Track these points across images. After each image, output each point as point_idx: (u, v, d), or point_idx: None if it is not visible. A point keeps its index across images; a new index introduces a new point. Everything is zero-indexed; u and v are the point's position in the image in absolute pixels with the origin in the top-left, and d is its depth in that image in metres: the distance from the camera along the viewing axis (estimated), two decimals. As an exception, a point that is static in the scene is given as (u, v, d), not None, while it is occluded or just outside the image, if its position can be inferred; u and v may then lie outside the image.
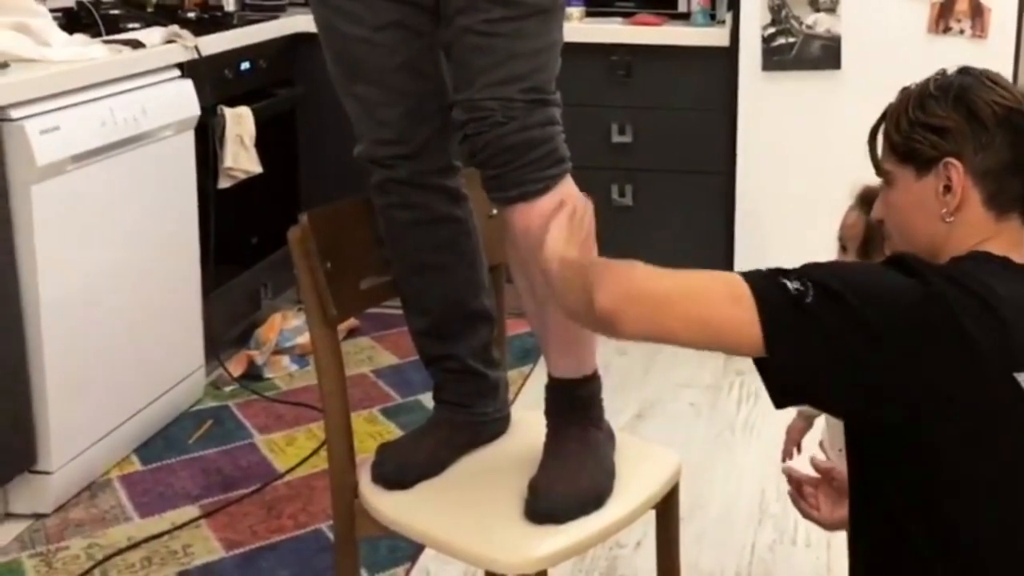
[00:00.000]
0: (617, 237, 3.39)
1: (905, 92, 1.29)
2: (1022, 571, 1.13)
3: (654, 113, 3.37)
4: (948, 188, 1.24)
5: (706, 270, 1.23)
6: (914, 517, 1.15)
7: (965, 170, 1.23)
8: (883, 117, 1.30)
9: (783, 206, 3.31)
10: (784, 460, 2.10)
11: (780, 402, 1.18)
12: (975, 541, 1.13)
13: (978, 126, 1.24)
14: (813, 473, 1.58)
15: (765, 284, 1.17)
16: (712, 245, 3.39)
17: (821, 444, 2.07)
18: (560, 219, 1.38)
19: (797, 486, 1.61)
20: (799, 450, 2.04)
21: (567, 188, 1.47)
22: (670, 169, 3.39)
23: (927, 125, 1.24)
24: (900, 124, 1.26)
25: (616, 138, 3.40)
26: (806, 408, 2.03)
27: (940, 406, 1.12)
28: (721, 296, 1.18)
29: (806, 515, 1.66)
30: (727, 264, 3.37)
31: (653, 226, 3.43)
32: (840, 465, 1.82)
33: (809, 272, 1.18)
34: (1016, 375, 1.13)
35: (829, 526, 1.60)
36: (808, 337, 1.14)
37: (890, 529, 1.19)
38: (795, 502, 1.64)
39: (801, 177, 3.28)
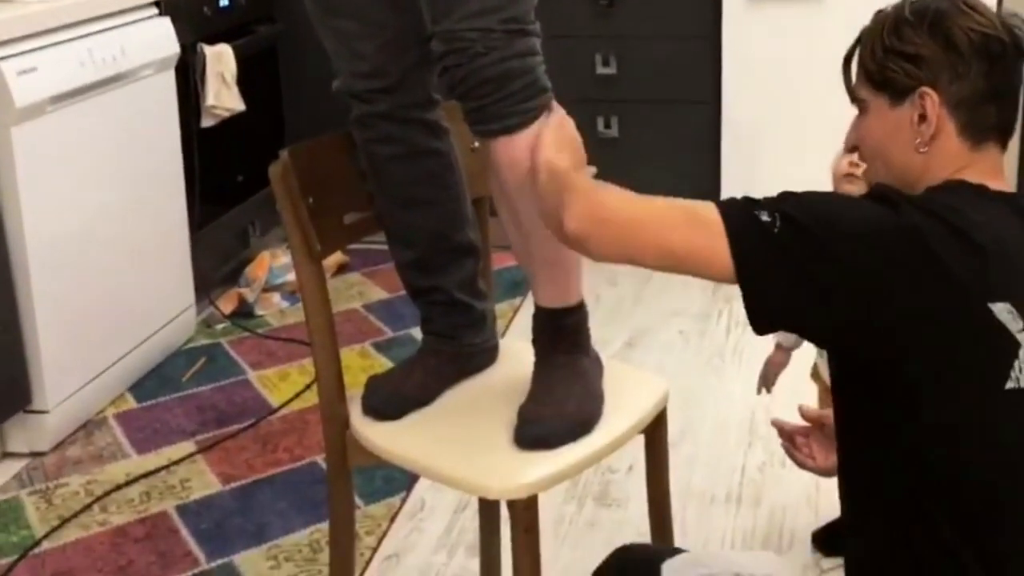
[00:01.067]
0: (603, 169, 3.39)
1: (880, 16, 1.27)
2: (998, 500, 1.15)
3: (638, 43, 3.34)
4: (923, 118, 1.23)
5: (682, 199, 1.23)
6: (894, 448, 1.16)
7: (940, 100, 1.21)
8: (857, 42, 1.28)
9: (769, 135, 3.31)
10: (759, 392, 2.13)
11: (759, 328, 1.19)
12: (954, 472, 1.14)
13: (954, 54, 1.22)
14: (802, 422, 1.61)
15: (736, 213, 1.18)
16: (699, 175, 3.40)
17: (814, 375, 2.08)
18: (551, 122, 1.38)
19: (789, 438, 1.63)
20: (769, 387, 2.07)
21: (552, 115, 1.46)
22: (655, 100, 3.38)
23: (902, 53, 1.22)
24: (875, 51, 1.23)
25: (600, 69, 3.38)
26: (785, 340, 2.05)
27: (911, 335, 1.12)
28: (689, 223, 1.19)
29: (801, 465, 1.68)
30: (714, 194, 3.38)
31: (639, 157, 3.43)
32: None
33: (781, 202, 1.18)
34: (991, 305, 1.13)
35: (825, 473, 1.61)
36: (775, 267, 1.15)
37: (873, 462, 1.20)
38: (789, 453, 1.66)
39: (787, 105, 3.27)
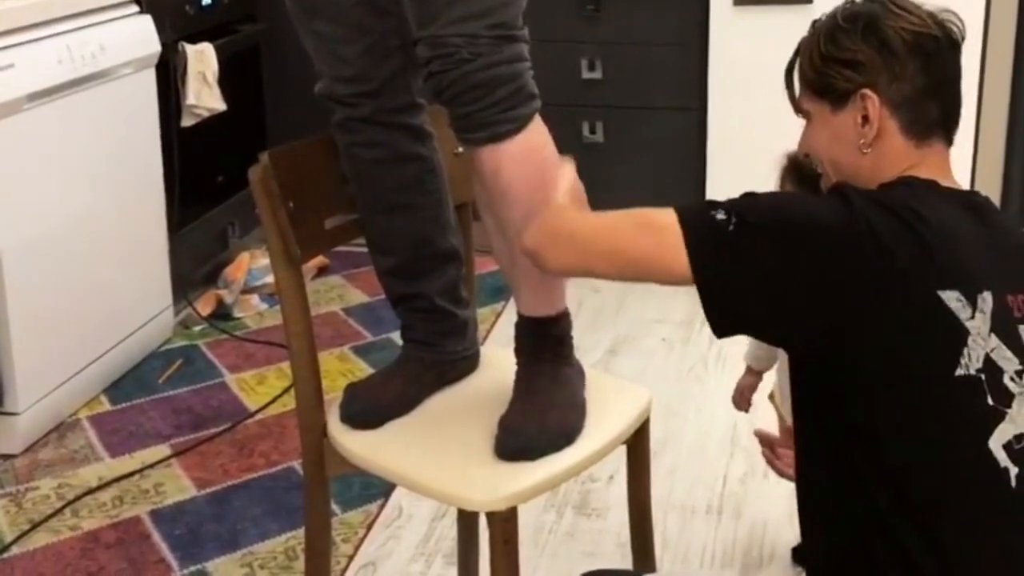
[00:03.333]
0: (588, 174, 3.37)
1: (815, 26, 1.30)
2: (949, 489, 1.15)
3: (624, 48, 3.33)
4: (866, 119, 1.25)
5: (640, 208, 1.24)
6: (850, 441, 1.17)
7: (880, 100, 1.24)
8: (796, 53, 1.31)
9: (754, 142, 3.29)
10: (746, 411, 2.12)
11: (719, 330, 1.19)
12: (906, 462, 1.15)
13: (890, 56, 1.24)
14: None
15: (692, 215, 1.19)
16: (684, 181, 3.38)
17: (771, 397, 2.08)
18: (571, 173, 1.40)
19: (770, 447, 1.64)
20: (747, 407, 2.06)
21: (537, 132, 1.44)
22: (641, 105, 3.37)
23: (839, 59, 1.25)
24: (813, 60, 1.26)
25: (586, 74, 3.36)
26: (755, 363, 2.03)
27: (865, 327, 1.13)
28: (641, 230, 1.21)
29: (781, 474, 1.69)
30: (698, 199, 3.36)
31: (624, 163, 3.41)
32: (790, 418, 1.85)
33: (737, 202, 1.20)
34: (940, 293, 1.14)
35: None
36: (729, 267, 1.16)
37: (828, 460, 1.20)
38: (770, 463, 1.67)
39: (772, 112, 3.25)
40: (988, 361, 1.15)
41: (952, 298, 1.14)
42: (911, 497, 1.14)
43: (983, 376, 1.15)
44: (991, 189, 3.45)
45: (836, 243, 1.15)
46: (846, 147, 1.27)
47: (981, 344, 1.15)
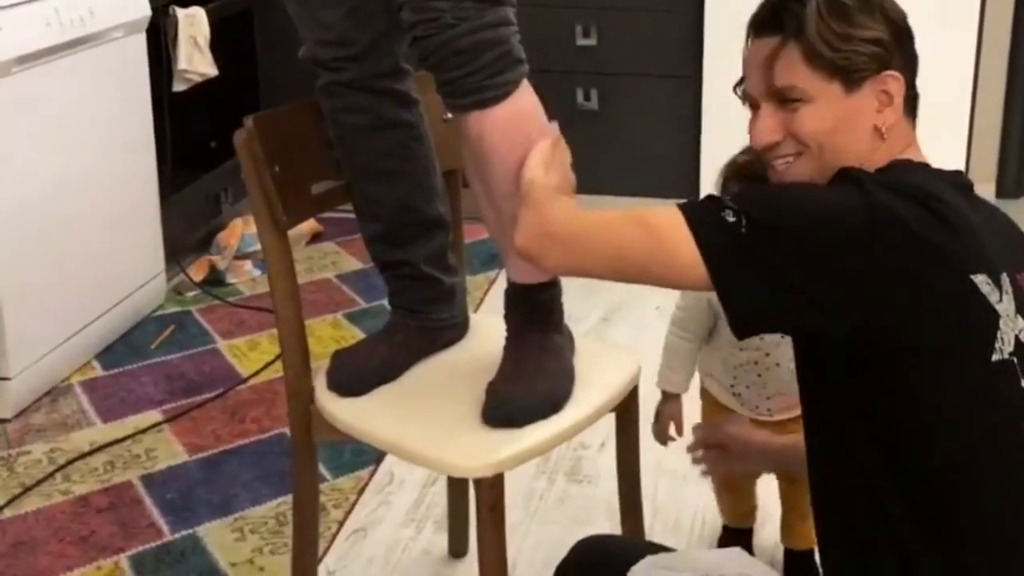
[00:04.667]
0: (583, 142, 3.36)
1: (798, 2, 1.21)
2: (984, 472, 1.14)
3: (619, 15, 3.30)
4: (889, 101, 1.21)
5: (640, 207, 1.21)
6: (875, 428, 1.16)
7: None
8: (783, 32, 1.21)
9: (749, 110, 3.28)
10: (665, 444, 1.93)
11: (741, 331, 1.17)
12: (947, 449, 1.14)
13: (900, 34, 1.22)
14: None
15: (700, 217, 1.15)
16: (678, 148, 3.37)
17: (703, 392, 1.95)
18: (544, 143, 1.37)
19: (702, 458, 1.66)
20: (680, 432, 1.90)
21: (525, 98, 1.42)
22: (636, 72, 3.34)
23: (859, 38, 1.20)
24: (826, 37, 1.19)
25: (580, 40, 3.34)
26: (671, 387, 1.89)
27: (898, 314, 1.11)
28: (645, 232, 1.17)
29: (728, 474, 1.70)
30: (694, 167, 3.36)
31: (619, 130, 3.40)
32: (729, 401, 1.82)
33: (744, 199, 1.16)
34: (972, 277, 1.13)
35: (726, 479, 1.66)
36: (748, 270, 1.13)
37: (851, 447, 1.18)
38: (710, 474, 1.68)
39: (768, 79, 3.24)
40: (1018, 343, 1.14)
41: (983, 282, 1.13)
42: (941, 482, 1.13)
43: (1015, 359, 1.13)
44: (986, 169, 3.44)
45: (858, 234, 1.11)
46: (855, 130, 1.21)
47: (1011, 326, 1.13)
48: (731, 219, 1.13)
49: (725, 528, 2.04)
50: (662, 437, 1.91)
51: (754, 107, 1.28)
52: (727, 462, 1.64)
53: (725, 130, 3.29)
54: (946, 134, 3.16)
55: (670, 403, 1.89)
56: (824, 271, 1.11)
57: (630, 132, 3.39)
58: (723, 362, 1.86)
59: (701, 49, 3.25)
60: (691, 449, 1.68)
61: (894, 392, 1.13)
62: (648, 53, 3.32)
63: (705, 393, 1.96)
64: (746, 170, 1.70)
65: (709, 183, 3.38)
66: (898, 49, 1.21)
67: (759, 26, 1.26)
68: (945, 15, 2.99)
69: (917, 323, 1.11)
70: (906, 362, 1.12)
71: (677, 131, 3.36)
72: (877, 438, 1.15)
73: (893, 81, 1.21)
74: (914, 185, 1.16)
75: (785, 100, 1.23)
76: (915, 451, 1.14)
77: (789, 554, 1.99)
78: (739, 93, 1.31)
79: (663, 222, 1.16)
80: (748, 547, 2.00)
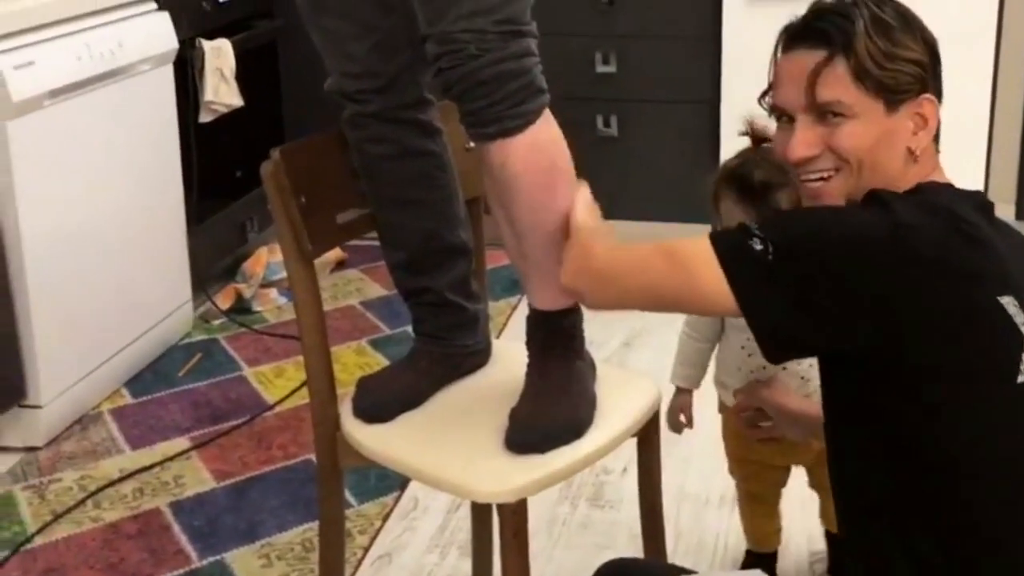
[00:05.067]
0: (603, 168, 3.41)
1: (848, 10, 1.21)
2: (1009, 494, 1.15)
3: (638, 42, 3.33)
4: (924, 123, 1.22)
5: (672, 239, 1.23)
6: (899, 447, 1.16)
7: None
8: (830, 46, 1.21)
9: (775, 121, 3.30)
10: (680, 432, 1.99)
11: (773, 357, 1.18)
12: (972, 473, 1.14)
13: (933, 58, 1.23)
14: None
15: (728, 246, 1.17)
16: (698, 175, 3.36)
17: (719, 382, 1.99)
18: (585, 191, 1.42)
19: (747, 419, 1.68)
20: (691, 424, 1.96)
21: (547, 128, 1.44)
22: (655, 99, 3.37)
23: (903, 58, 1.21)
24: (872, 54, 1.20)
25: (600, 68, 3.37)
26: (684, 381, 1.95)
27: (927, 336, 1.12)
28: (676, 264, 1.20)
29: (770, 434, 1.72)
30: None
31: (639, 157, 3.42)
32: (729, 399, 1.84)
33: (771, 227, 1.16)
34: (999, 299, 1.13)
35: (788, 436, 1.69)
36: (777, 298, 1.13)
37: (871, 464, 1.19)
38: (752, 435, 1.70)
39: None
40: None
41: (1009, 303, 1.13)
42: (961, 501, 1.14)
43: None
44: (1006, 190, 3.43)
45: (886, 256, 1.12)
46: (892, 150, 1.22)
47: None
48: (758, 247, 1.14)
49: (748, 552, 2.04)
50: (676, 427, 1.97)
51: (783, 118, 1.28)
52: (763, 425, 1.67)
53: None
54: (965, 156, 3.16)
55: (682, 396, 1.97)
56: (853, 295, 1.12)
57: (650, 158, 3.41)
58: (737, 368, 1.88)
59: (719, 75, 3.27)
60: (737, 411, 1.73)
61: (919, 411, 1.14)
62: (667, 79, 3.35)
63: (722, 406, 1.98)
64: (736, 174, 1.71)
65: (729, 208, 3.41)
66: (933, 73, 1.23)
67: (800, 37, 1.25)
68: (962, 37, 3.00)
69: (945, 345, 1.12)
70: (933, 382, 1.13)
71: (696, 156, 3.37)
72: (901, 457, 1.16)
73: (929, 104, 1.22)
74: (942, 207, 1.17)
75: (826, 114, 1.22)
76: (939, 470, 1.14)
77: (830, 535, 2.00)
78: (765, 104, 1.31)
79: (693, 254, 1.18)
80: (772, 571, 2.00)
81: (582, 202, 1.40)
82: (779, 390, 1.68)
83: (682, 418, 1.96)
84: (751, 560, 2.03)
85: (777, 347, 1.17)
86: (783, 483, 1.98)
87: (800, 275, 1.13)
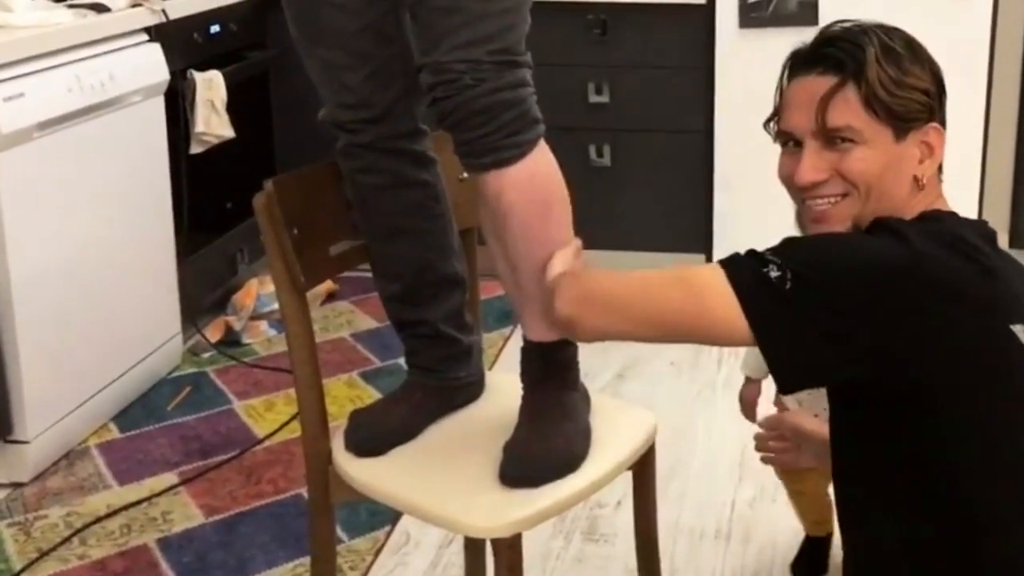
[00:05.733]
0: (595, 198, 3.40)
1: (859, 38, 1.21)
2: (1015, 525, 1.14)
3: (631, 72, 3.34)
4: (931, 152, 1.22)
5: (679, 266, 1.21)
6: (911, 481, 1.15)
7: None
8: (842, 72, 1.21)
9: (761, 165, 3.28)
10: (754, 421, 2.08)
11: (786, 388, 1.16)
12: (972, 497, 1.14)
13: (939, 87, 1.24)
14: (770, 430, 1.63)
15: (742, 274, 1.14)
16: (691, 205, 3.38)
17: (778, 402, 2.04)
18: (567, 253, 1.39)
19: (762, 447, 1.65)
20: (753, 417, 2.02)
21: (542, 158, 1.44)
22: (648, 129, 3.37)
23: (912, 86, 1.21)
24: (883, 81, 1.20)
25: (593, 98, 3.37)
26: (754, 372, 2.01)
27: (941, 368, 1.11)
28: (687, 291, 1.16)
29: (784, 464, 1.71)
30: (706, 221, 3.37)
31: (631, 186, 3.42)
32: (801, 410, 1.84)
33: (786, 254, 1.14)
34: (1012, 327, 1.13)
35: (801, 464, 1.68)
36: (794, 328, 1.12)
37: (881, 493, 1.19)
38: (766, 461, 1.68)
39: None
40: None
41: (1021, 331, 1.13)
42: (973, 527, 1.13)
43: None
44: (999, 218, 3.44)
45: (903, 287, 1.11)
46: (898, 178, 1.21)
47: None
48: (774, 275, 1.12)
49: (806, 537, 2.10)
50: (749, 415, 2.03)
51: (789, 143, 1.27)
52: (787, 452, 1.64)
53: (737, 185, 3.34)
54: (959, 183, 3.15)
55: (749, 386, 2.03)
56: (871, 325, 1.11)
57: (643, 187, 3.41)
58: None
59: (712, 104, 3.28)
60: (757, 440, 1.71)
61: (931, 440, 1.13)
62: (660, 109, 3.35)
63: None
64: None
65: (722, 237, 3.40)
66: (939, 103, 1.23)
67: (809, 63, 1.24)
68: (954, 64, 3.01)
69: (961, 373, 1.12)
70: (946, 410, 1.12)
71: (689, 186, 3.38)
72: (912, 483, 1.15)
73: (935, 133, 1.23)
74: (954, 235, 1.17)
75: (835, 140, 1.22)
76: (953, 495, 1.14)
77: None
78: (770, 129, 1.31)
79: (705, 281, 1.15)
80: (824, 556, 2.05)
81: (560, 256, 1.37)
82: (794, 412, 1.67)
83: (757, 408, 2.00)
84: (807, 544, 2.08)
85: (792, 377, 1.15)
86: (829, 480, 1.98)
87: (819, 303, 1.11)
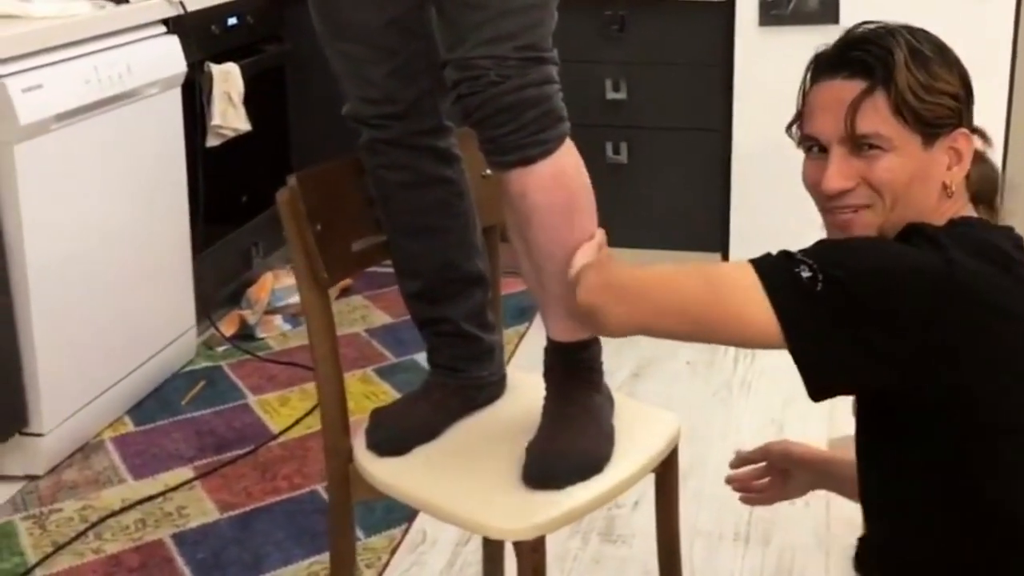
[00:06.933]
0: (612, 195, 3.38)
1: (887, 41, 1.18)
2: None
3: (649, 69, 3.32)
4: (959, 159, 1.20)
5: (709, 263, 1.20)
6: (944, 486, 1.14)
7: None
8: (870, 77, 1.19)
9: (779, 164, 3.26)
10: None
11: (816, 395, 1.14)
12: (1008, 505, 1.13)
13: (967, 93, 1.21)
14: (748, 467, 1.58)
15: (774, 273, 1.12)
16: (708, 202, 3.36)
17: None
18: (591, 245, 1.37)
19: (743, 487, 1.61)
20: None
21: (567, 156, 1.42)
22: (665, 126, 3.35)
23: (943, 91, 1.18)
24: (912, 86, 1.17)
25: (610, 95, 3.35)
26: None
27: (978, 378, 1.10)
28: (716, 287, 1.14)
29: (753, 503, 1.65)
30: (723, 220, 3.35)
31: (648, 184, 3.40)
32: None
33: (819, 255, 1.12)
34: None
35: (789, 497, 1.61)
36: (827, 332, 1.09)
37: (921, 498, 1.17)
38: (748, 502, 1.64)
39: (798, 133, 3.23)
40: None
41: None
42: (1005, 536, 1.12)
43: None
44: (1018, 225, 3.41)
45: (940, 293, 1.09)
46: (927, 185, 1.19)
47: None
48: (806, 275, 1.09)
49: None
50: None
51: (813, 148, 1.24)
52: (772, 488, 1.58)
53: (755, 183, 3.31)
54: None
55: None
56: (906, 332, 1.08)
57: (660, 185, 3.39)
58: None
59: (731, 102, 3.26)
60: (732, 466, 1.63)
61: (964, 448, 1.12)
62: (677, 107, 3.33)
63: None
64: None
65: (739, 236, 3.38)
66: (967, 107, 1.21)
67: (835, 66, 1.21)
68: (975, 65, 2.98)
69: (994, 380, 1.10)
70: (979, 418, 1.11)
71: (706, 184, 3.35)
72: (945, 492, 1.14)
73: (964, 139, 1.20)
74: (986, 242, 1.15)
75: (862, 146, 1.19)
76: (985, 507, 1.12)
77: None
78: (794, 133, 1.28)
79: (734, 279, 1.13)
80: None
81: (584, 248, 1.35)
82: (783, 440, 1.63)
83: None
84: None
85: (822, 378, 1.12)
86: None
87: (852, 307, 1.09)
